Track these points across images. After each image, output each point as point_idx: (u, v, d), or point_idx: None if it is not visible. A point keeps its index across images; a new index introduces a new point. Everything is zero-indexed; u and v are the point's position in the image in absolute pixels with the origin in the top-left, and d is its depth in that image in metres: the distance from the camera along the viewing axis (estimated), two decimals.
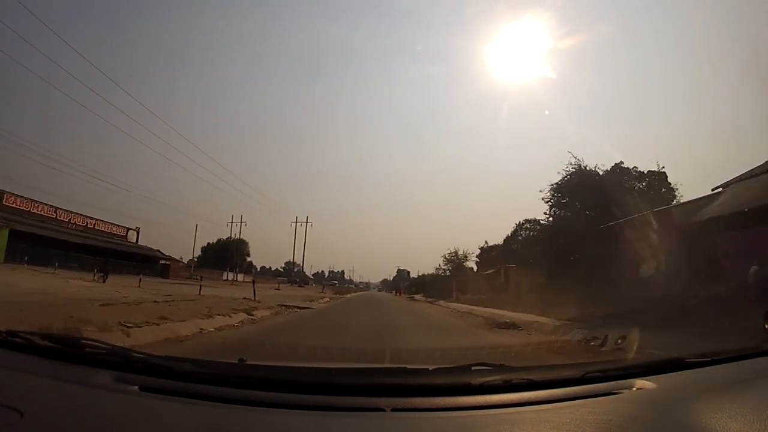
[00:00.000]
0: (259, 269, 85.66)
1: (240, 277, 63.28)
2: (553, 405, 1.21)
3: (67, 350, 1.38)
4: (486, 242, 35.83)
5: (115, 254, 38.20)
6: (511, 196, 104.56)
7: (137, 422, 1.05)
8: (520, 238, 30.14)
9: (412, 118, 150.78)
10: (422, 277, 69.44)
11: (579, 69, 62.98)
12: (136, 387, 1.20)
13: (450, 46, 74.44)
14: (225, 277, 56.73)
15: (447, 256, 45.36)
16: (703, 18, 50.60)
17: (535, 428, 1.09)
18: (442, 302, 28.97)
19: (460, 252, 44.42)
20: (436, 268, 53.99)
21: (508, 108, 52.72)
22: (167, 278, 38.83)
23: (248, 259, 70.66)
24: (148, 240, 46.28)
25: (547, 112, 65.70)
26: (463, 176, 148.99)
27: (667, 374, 1.46)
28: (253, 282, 17.25)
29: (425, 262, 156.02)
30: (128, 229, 43.32)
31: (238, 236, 61.77)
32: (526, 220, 30.30)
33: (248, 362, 1.67)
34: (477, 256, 37.26)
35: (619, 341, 4.22)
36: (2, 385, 1.16)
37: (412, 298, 42.59)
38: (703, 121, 59.78)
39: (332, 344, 6.51)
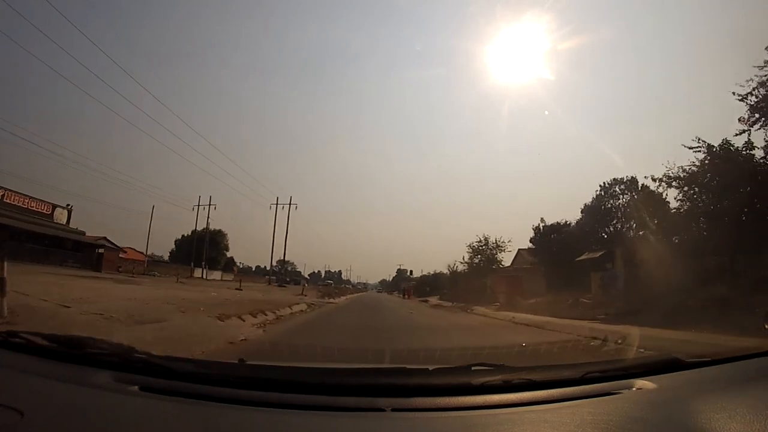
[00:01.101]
0: (254, 269, 77.79)
1: (218, 274, 52.97)
2: (553, 405, 1.19)
3: (67, 350, 1.37)
4: (542, 220, 24.62)
5: (24, 236, 28.25)
6: (511, 196, 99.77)
7: (137, 422, 1.04)
8: (610, 205, 19.64)
9: (411, 118, 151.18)
10: (434, 276, 55.14)
11: (579, 70, 63.26)
12: (137, 387, 1.19)
13: (452, 47, 73.93)
14: (195, 274, 46.34)
15: (474, 245, 34.30)
16: (704, 18, 49.78)
17: (535, 428, 1.08)
18: (486, 310, 18.40)
19: (492, 240, 32.88)
20: (450, 266, 42.98)
21: (508, 109, 52.19)
22: (99, 271, 29.26)
23: (227, 254, 59.76)
24: (125, 235, 36.29)
25: (546, 113, 65.53)
26: (463, 176, 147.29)
27: (667, 374, 1.44)
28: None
29: (426, 263, 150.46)
30: (55, 207, 33.31)
31: (207, 222, 50.38)
32: (615, 180, 19.77)
33: (248, 362, 1.66)
34: (531, 240, 25.93)
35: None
36: (2, 385, 1.16)
37: (426, 302, 31.76)
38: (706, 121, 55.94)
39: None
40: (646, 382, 1.35)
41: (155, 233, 65.08)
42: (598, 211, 19.68)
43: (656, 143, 55.90)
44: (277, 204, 49.14)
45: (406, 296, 46.35)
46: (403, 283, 74.73)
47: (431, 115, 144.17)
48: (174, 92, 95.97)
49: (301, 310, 13.76)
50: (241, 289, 23.61)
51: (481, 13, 54.16)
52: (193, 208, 49.45)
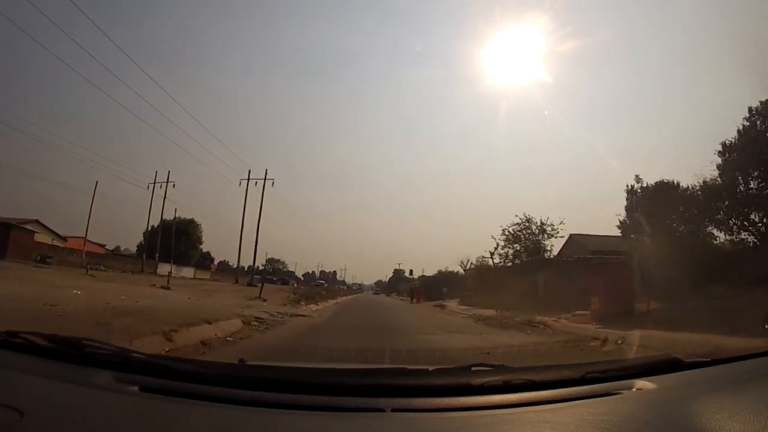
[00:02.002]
0: (246, 268, 69.90)
1: (189, 272, 44.47)
2: (553, 405, 1.19)
3: (67, 350, 1.35)
4: (638, 179, 15.42)
5: None
6: (510, 197, 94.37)
7: (137, 422, 1.04)
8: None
9: (410, 118, 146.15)
10: (443, 275, 44.98)
11: (579, 71, 62.11)
12: (137, 387, 1.18)
13: (452, 47, 69.39)
14: (159, 270, 38.21)
15: (511, 231, 24.13)
16: (703, 20, 47.66)
17: (535, 428, 1.07)
18: (616, 333, 9.98)
19: (536, 221, 23.66)
20: (463, 262, 34.69)
21: (506, 109, 50.91)
22: (2, 257, 22.19)
23: (202, 248, 51.19)
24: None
25: (546, 113, 65.14)
26: (462, 176, 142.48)
27: (666, 374, 1.43)
28: None
29: (423, 263, 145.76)
30: None
31: (163, 203, 39.05)
32: (759, 110, 11.40)
33: (248, 363, 1.68)
34: (627, 209, 16.39)
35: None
36: (2, 385, 1.15)
37: (444, 308, 22.90)
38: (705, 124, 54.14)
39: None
40: (646, 382, 1.34)
41: (127, 223, 56.61)
42: (754, 150, 11.31)
43: (656, 144, 55.51)
44: (248, 179, 36.69)
45: (415, 300, 34.49)
46: (402, 284, 67.36)
47: (430, 114, 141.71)
48: (171, 87, 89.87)
49: (193, 345, 5.46)
50: (169, 288, 15.37)
51: (481, 14, 51.70)
52: (148, 186, 38.22)
